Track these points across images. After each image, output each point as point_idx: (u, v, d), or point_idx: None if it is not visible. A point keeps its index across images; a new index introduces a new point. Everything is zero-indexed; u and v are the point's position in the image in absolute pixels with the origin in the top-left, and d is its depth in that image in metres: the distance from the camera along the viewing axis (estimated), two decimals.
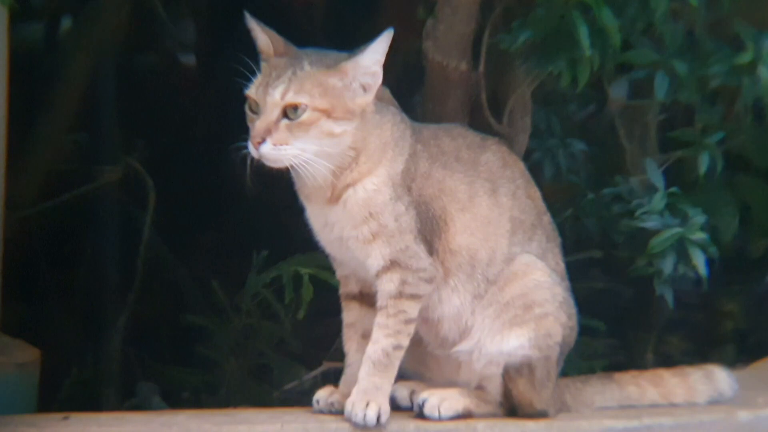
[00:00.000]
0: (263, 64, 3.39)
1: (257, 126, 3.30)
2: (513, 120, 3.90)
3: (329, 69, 3.34)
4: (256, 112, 3.33)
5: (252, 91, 3.34)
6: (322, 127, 3.32)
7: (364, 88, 3.37)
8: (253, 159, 3.30)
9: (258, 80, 3.35)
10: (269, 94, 3.30)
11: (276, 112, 3.30)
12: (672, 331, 4.81)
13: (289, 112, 3.31)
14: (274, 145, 3.29)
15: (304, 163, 3.32)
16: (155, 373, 4.46)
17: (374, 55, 3.34)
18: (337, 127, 3.34)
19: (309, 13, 5.07)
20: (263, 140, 3.28)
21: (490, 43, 3.85)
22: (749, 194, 4.55)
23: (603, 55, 3.70)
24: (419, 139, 3.49)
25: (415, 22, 3.93)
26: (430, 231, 3.46)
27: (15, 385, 3.87)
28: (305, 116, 3.31)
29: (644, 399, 3.72)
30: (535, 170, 3.96)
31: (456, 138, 3.56)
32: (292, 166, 3.33)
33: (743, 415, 3.67)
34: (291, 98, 3.30)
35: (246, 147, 3.31)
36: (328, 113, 3.33)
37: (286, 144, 3.30)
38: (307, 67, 3.33)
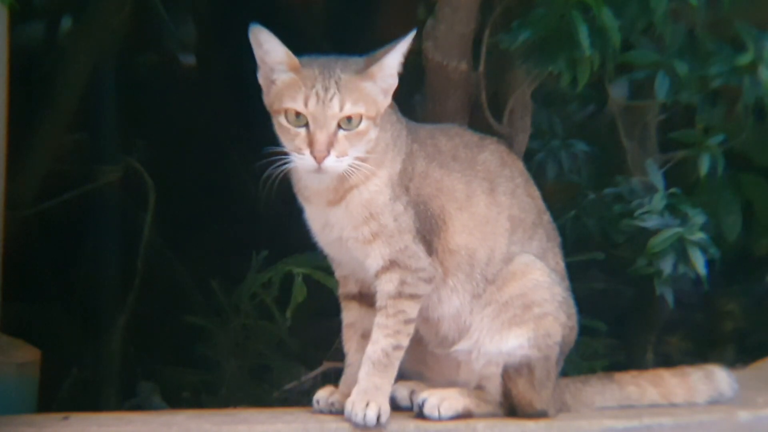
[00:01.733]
0: (286, 77, 3.33)
1: (320, 140, 3.27)
2: (513, 120, 3.90)
3: (361, 74, 3.33)
4: (300, 125, 3.30)
5: (298, 105, 3.30)
6: (370, 134, 3.35)
7: (384, 92, 3.37)
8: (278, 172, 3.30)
9: (300, 93, 3.30)
10: (327, 106, 3.29)
11: (334, 125, 3.29)
12: (672, 331, 4.81)
13: (343, 122, 3.30)
14: (337, 157, 3.29)
15: (350, 169, 3.32)
16: (155, 373, 4.46)
17: (398, 57, 3.35)
18: (374, 133, 3.36)
19: (309, 13, 5.07)
20: (328, 153, 3.28)
21: (490, 43, 3.85)
22: (752, 193, 4.54)
23: (603, 55, 3.70)
24: (415, 139, 3.50)
25: (415, 22, 3.93)
26: (428, 231, 3.46)
27: (15, 385, 3.87)
28: (363, 126, 3.32)
29: (644, 399, 3.72)
30: (537, 170, 3.96)
31: (453, 137, 3.57)
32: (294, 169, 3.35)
33: (743, 415, 3.67)
34: (349, 110, 3.30)
35: (281, 162, 3.30)
36: (374, 120, 3.34)
37: (346, 155, 3.30)
38: (342, 75, 3.32)
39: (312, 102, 3.29)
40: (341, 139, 3.30)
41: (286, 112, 3.32)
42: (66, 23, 5.02)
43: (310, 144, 3.29)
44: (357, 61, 3.36)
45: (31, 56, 4.78)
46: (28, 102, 4.48)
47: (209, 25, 5.23)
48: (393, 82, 3.38)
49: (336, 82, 3.30)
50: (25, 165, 4.50)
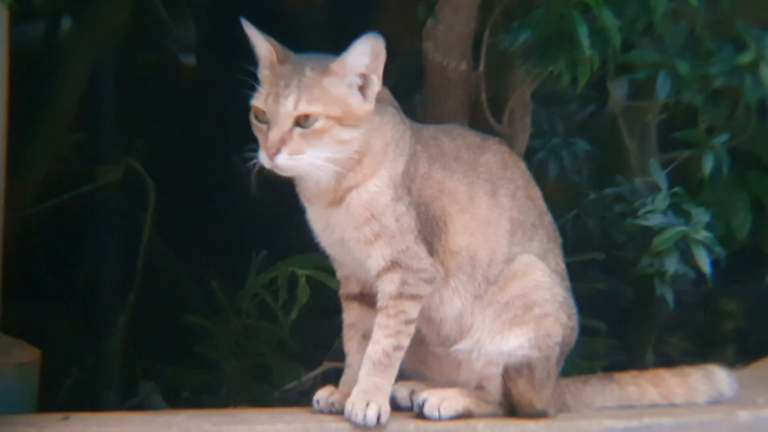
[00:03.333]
0: (266, 72, 3.36)
1: (271, 137, 3.28)
2: (513, 120, 3.90)
3: (324, 72, 3.33)
4: (264, 122, 3.32)
5: (260, 102, 3.32)
6: (334, 135, 3.33)
7: (363, 95, 3.36)
8: (260, 168, 3.30)
9: (265, 90, 3.32)
10: (281, 104, 3.29)
11: (289, 123, 3.29)
12: (672, 331, 4.81)
13: (302, 121, 3.30)
14: (290, 155, 3.29)
15: (316, 170, 3.32)
16: (155, 373, 4.46)
17: (358, 56, 3.33)
18: (346, 134, 3.34)
19: (309, 14, 5.07)
20: (278, 151, 3.28)
21: (490, 43, 3.85)
22: (760, 190, 4.53)
23: (603, 55, 3.70)
24: (419, 140, 3.49)
25: (415, 22, 3.93)
26: (430, 232, 3.46)
27: (15, 385, 3.87)
28: (319, 125, 3.30)
29: (644, 399, 3.72)
30: (538, 170, 3.96)
31: (456, 138, 3.56)
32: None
33: (743, 415, 3.66)
34: (304, 108, 3.29)
35: (254, 156, 3.31)
36: (339, 121, 3.33)
37: (302, 153, 3.30)
38: (309, 73, 3.32)
39: (270, 99, 3.30)
40: (296, 138, 3.29)
41: (254, 108, 3.34)
42: (66, 23, 5.02)
43: (264, 140, 3.30)
44: (329, 59, 3.36)
45: (31, 56, 4.78)
46: (28, 102, 4.48)
47: (209, 25, 5.23)
48: (363, 82, 3.34)
49: (299, 80, 3.30)
50: (25, 165, 4.50)
